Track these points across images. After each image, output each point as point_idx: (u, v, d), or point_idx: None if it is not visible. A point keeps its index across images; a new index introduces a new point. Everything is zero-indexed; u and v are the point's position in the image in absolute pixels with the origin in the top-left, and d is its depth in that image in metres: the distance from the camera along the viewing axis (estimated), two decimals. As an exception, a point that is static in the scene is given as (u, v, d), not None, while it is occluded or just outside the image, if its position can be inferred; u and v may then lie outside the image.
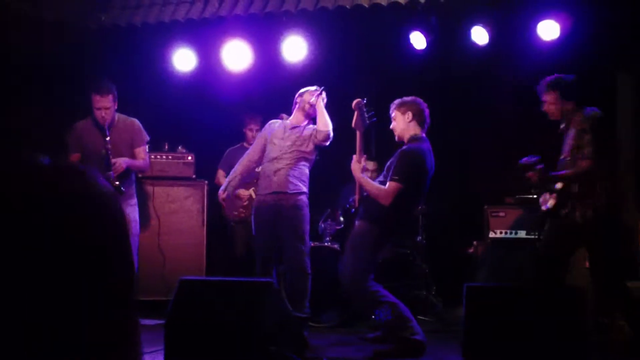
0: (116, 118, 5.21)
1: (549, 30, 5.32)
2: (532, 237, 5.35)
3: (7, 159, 0.86)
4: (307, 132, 4.94)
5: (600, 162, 4.21)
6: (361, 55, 6.26)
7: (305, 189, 4.95)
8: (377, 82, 6.36)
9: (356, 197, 4.74)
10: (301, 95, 5.01)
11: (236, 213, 5.93)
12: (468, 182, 5.40)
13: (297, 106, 5.04)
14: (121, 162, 5.06)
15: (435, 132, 4.87)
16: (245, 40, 6.02)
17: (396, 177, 4.39)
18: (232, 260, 6.18)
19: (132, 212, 5.33)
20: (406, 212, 4.61)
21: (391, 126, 4.65)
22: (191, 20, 5.85)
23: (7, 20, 5.48)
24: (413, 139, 4.55)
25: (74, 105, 5.54)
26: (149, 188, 5.94)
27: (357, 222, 4.61)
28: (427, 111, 4.62)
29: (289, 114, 5.13)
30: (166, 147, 6.30)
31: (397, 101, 4.64)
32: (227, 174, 5.80)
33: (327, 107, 5.05)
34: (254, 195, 5.49)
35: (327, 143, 4.97)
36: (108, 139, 4.96)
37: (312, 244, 5.64)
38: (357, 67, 6.37)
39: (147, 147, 5.44)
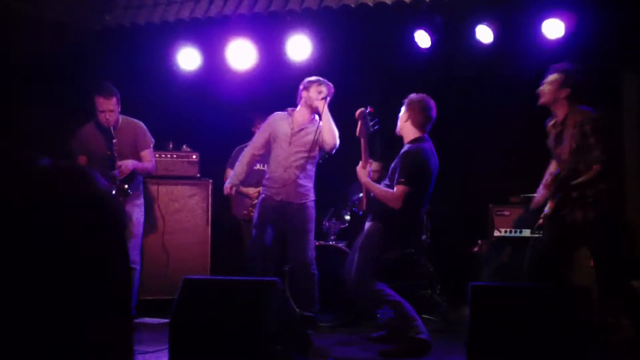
0: (120, 120, 5.21)
1: (553, 28, 5.30)
2: (537, 235, 5.34)
3: (7, 160, 0.86)
4: (314, 136, 4.95)
5: (607, 164, 4.19)
6: (365, 54, 6.25)
7: (312, 193, 5.06)
8: (382, 81, 6.35)
9: (363, 199, 4.76)
10: (307, 89, 5.01)
11: (245, 212, 5.93)
12: (472, 181, 5.39)
13: (301, 100, 5.04)
14: (127, 164, 5.07)
15: (440, 131, 4.86)
16: (250, 39, 6.02)
17: (402, 180, 4.41)
18: (239, 259, 6.19)
19: (138, 212, 5.34)
20: (413, 212, 4.61)
21: (400, 114, 4.68)
22: (196, 20, 5.85)
23: (8, 21, 5.49)
24: (414, 140, 4.57)
25: (76, 105, 5.54)
26: (154, 187, 5.94)
27: (367, 224, 4.64)
28: (433, 111, 4.62)
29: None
30: (170, 146, 6.30)
31: (407, 99, 4.65)
32: None
33: (332, 106, 5.05)
34: None
35: (333, 152, 5.04)
36: (115, 140, 4.95)
37: (317, 243, 5.64)
38: (361, 66, 6.36)
39: (152, 149, 5.44)
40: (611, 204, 4.18)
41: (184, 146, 6.36)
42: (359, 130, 4.62)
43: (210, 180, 6.29)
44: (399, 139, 4.74)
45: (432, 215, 5.87)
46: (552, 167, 4.59)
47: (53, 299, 0.82)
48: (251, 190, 5.73)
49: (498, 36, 5.46)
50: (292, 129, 5.01)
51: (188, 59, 6.20)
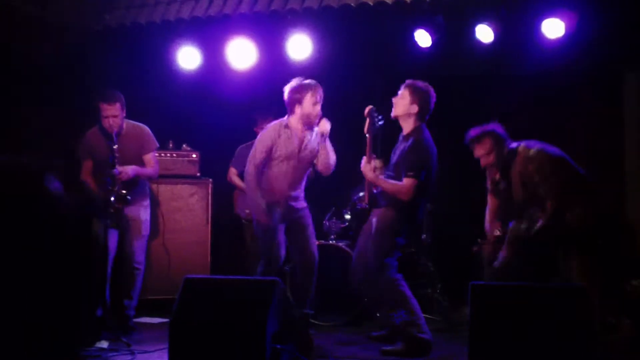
0: (124, 125, 5.21)
1: (553, 28, 5.29)
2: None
3: None
4: (312, 152, 4.98)
5: (564, 195, 4.33)
6: (366, 53, 6.24)
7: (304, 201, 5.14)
8: (382, 80, 6.34)
9: (365, 195, 4.77)
10: (299, 101, 4.87)
11: (248, 211, 5.94)
12: (473, 180, 5.37)
13: (294, 113, 4.93)
14: (127, 170, 5.05)
15: (440, 130, 4.86)
16: (250, 39, 6.01)
17: (411, 173, 4.50)
18: (241, 258, 6.19)
19: (144, 213, 5.35)
20: (420, 201, 4.66)
21: (394, 98, 4.73)
22: (196, 18, 5.84)
23: (10, 21, 5.49)
24: (415, 130, 4.64)
25: (81, 108, 5.54)
26: (154, 186, 5.94)
27: (376, 212, 4.68)
28: (433, 101, 4.70)
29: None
30: (171, 145, 6.30)
31: (411, 83, 4.70)
32: (239, 171, 5.84)
33: (330, 106, 5.02)
34: None
35: None
36: (115, 147, 4.95)
37: (317, 243, 5.64)
38: (361, 66, 6.36)
39: (156, 153, 5.44)
40: (601, 207, 4.27)
41: (184, 145, 6.36)
42: (367, 127, 4.66)
43: (210, 180, 6.30)
44: (398, 136, 4.76)
45: (433, 215, 5.87)
46: (493, 204, 4.90)
47: None
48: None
49: (498, 36, 5.46)
50: (297, 147, 4.94)
51: (188, 58, 6.19)
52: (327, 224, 5.97)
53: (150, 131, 5.37)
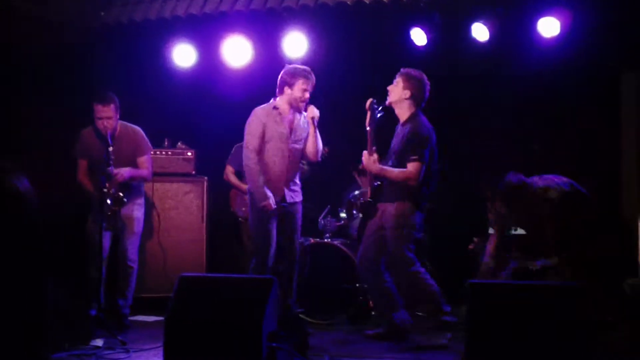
0: (118, 127, 5.19)
1: (549, 27, 5.30)
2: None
3: None
4: (303, 135, 4.97)
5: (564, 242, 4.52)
6: (362, 51, 6.24)
7: (300, 189, 5.10)
8: (378, 78, 6.33)
9: (368, 189, 4.80)
10: (290, 86, 4.88)
11: (244, 209, 5.91)
12: (469, 178, 5.39)
13: (284, 95, 4.92)
14: (123, 172, 5.04)
15: (436, 128, 4.86)
16: (246, 36, 6.00)
17: (415, 157, 4.60)
18: (237, 256, 6.18)
19: (138, 211, 5.33)
20: (424, 185, 4.72)
21: (388, 87, 4.82)
22: (192, 16, 5.82)
23: (12, 20, 5.47)
24: (411, 116, 4.74)
25: (78, 107, 5.52)
26: (149, 184, 5.92)
27: (387, 207, 4.70)
28: (427, 88, 4.79)
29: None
30: (166, 143, 6.29)
31: (404, 71, 4.80)
32: (236, 169, 5.81)
33: (325, 103, 5.01)
34: None
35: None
36: (111, 149, 4.93)
37: (312, 241, 5.64)
38: (358, 63, 6.35)
39: (150, 156, 5.42)
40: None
41: (180, 143, 6.34)
42: (369, 120, 4.72)
43: (206, 178, 6.28)
44: (394, 131, 4.79)
45: (430, 213, 5.87)
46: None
47: None
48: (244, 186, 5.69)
49: (494, 34, 5.46)
50: (288, 127, 4.94)
51: (184, 55, 6.18)
52: (323, 222, 5.96)
53: (144, 133, 5.35)
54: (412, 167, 4.59)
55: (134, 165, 5.25)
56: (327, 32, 5.89)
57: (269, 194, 4.83)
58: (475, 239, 5.69)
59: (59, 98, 5.89)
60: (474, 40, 5.51)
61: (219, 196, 6.33)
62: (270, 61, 6.03)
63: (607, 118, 5.70)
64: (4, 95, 5.72)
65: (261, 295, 3.64)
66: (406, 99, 4.74)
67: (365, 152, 4.71)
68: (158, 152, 6.09)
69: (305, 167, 5.65)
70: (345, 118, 5.83)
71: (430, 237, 5.87)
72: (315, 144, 4.94)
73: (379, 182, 4.75)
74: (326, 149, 5.29)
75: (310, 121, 4.90)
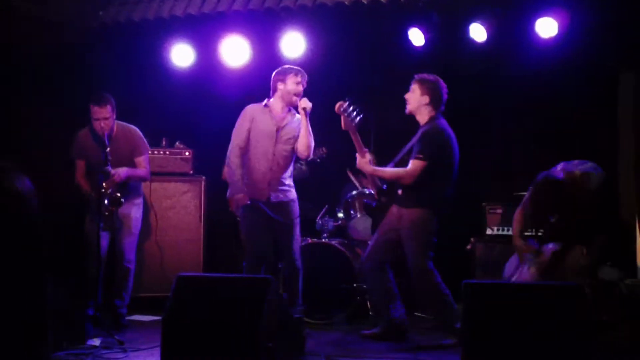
0: (115, 127, 5.19)
1: (547, 27, 5.30)
2: (529, 233, 5.36)
3: None
4: (295, 133, 4.89)
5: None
6: (360, 51, 6.24)
7: (294, 190, 4.98)
8: (376, 78, 6.35)
9: (374, 191, 4.80)
10: (282, 81, 4.87)
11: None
12: (466, 179, 5.38)
13: (276, 92, 4.92)
14: (120, 172, 5.04)
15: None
16: (244, 36, 6.00)
17: (420, 156, 4.54)
18: (234, 256, 6.17)
19: (136, 211, 5.33)
20: (442, 190, 4.67)
21: (406, 95, 4.77)
22: (190, 16, 5.82)
23: (11, 20, 5.46)
24: (430, 119, 4.69)
25: (75, 107, 5.52)
26: (146, 184, 5.92)
27: (409, 210, 4.65)
28: (445, 91, 4.75)
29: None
30: (164, 142, 6.29)
31: (419, 76, 4.77)
32: None
33: (322, 103, 5.00)
34: None
35: (306, 160, 5.04)
36: (108, 150, 4.93)
37: (310, 241, 5.64)
38: (355, 63, 6.35)
39: (148, 156, 5.41)
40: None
41: (178, 143, 6.34)
42: (344, 123, 4.63)
43: (204, 177, 6.28)
44: (393, 131, 4.78)
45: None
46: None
47: None
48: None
49: (492, 35, 5.47)
50: (276, 126, 4.89)
51: (182, 55, 6.18)
52: (320, 222, 5.96)
53: (141, 134, 5.35)
54: (412, 164, 4.56)
55: (132, 165, 5.25)
56: (325, 32, 5.89)
57: (242, 185, 4.81)
58: (472, 239, 5.70)
59: (58, 98, 5.89)
60: (472, 41, 5.52)
61: (217, 196, 6.32)
62: (268, 61, 6.03)
63: (605, 118, 5.71)
64: (4, 95, 5.72)
65: (258, 295, 3.64)
66: (425, 104, 4.70)
67: (357, 155, 4.68)
68: (156, 152, 6.09)
69: (304, 167, 5.65)
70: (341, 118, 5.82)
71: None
72: (305, 138, 4.82)
73: (386, 185, 4.73)
74: (324, 149, 5.29)
75: (302, 112, 4.80)
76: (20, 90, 5.81)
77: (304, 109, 4.79)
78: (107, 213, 4.94)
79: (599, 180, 4.42)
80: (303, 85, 4.88)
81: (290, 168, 5.00)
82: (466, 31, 5.49)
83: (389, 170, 4.66)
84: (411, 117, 4.83)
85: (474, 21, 5.44)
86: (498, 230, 5.66)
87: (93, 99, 5.07)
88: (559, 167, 4.45)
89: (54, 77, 5.90)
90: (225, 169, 6.04)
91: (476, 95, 6.15)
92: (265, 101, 4.99)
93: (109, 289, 5.24)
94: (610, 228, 4.45)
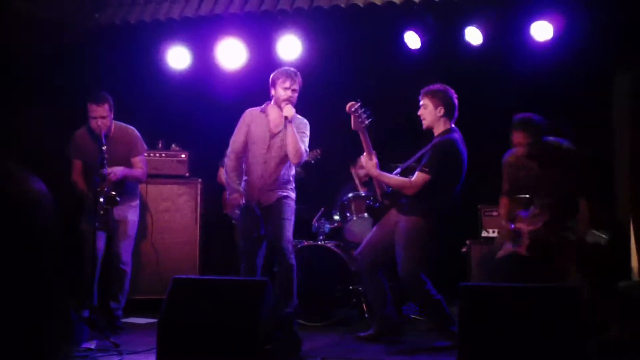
0: (113, 127, 5.19)
1: (542, 31, 5.33)
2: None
3: None
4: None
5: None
6: (356, 54, 6.25)
7: (291, 191, 4.91)
8: (372, 80, 6.35)
9: (378, 192, 4.78)
10: (274, 85, 4.81)
11: (237, 212, 5.89)
12: (463, 181, 5.39)
13: (272, 97, 4.88)
14: (116, 171, 5.04)
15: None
16: (240, 39, 6.01)
17: (426, 169, 4.51)
18: (229, 259, 6.17)
19: (133, 213, 5.33)
20: (443, 202, 4.64)
21: (419, 112, 4.70)
22: (186, 18, 5.83)
23: (9, 20, 5.46)
24: (444, 131, 4.64)
25: (71, 107, 5.51)
26: (142, 186, 5.91)
27: (406, 217, 4.63)
28: (455, 97, 4.70)
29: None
30: (160, 145, 6.28)
31: (428, 90, 4.69)
32: None
33: (319, 106, 5.01)
34: None
35: (299, 165, 4.95)
36: (104, 148, 4.92)
37: (306, 243, 5.64)
38: (352, 66, 6.37)
39: (144, 157, 5.41)
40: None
41: (173, 145, 6.34)
42: (354, 124, 4.59)
43: (200, 180, 6.28)
44: (391, 134, 4.77)
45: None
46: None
47: None
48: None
49: (487, 38, 5.48)
50: (270, 132, 4.84)
51: (178, 57, 6.18)
52: (316, 224, 5.96)
53: (139, 134, 5.35)
54: (417, 176, 4.52)
55: (129, 165, 5.24)
56: (322, 35, 5.90)
57: (237, 188, 4.80)
58: (468, 242, 5.71)
59: (54, 98, 5.88)
60: (468, 44, 5.53)
61: (213, 198, 6.34)
62: (264, 64, 6.04)
63: (601, 120, 5.72)
64: (2, 95, 5.70)
65: (254, 297, 3.64)
66: (441, 116, 4.63)
67: (364, 156, 4.65)
68: (152, 154, 6.09)
69: (299, 169, 5.65)
70: (338, 120, 5.82)
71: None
72: (291, 145, 4.72)
73: (390, 189, 4.72)
74: (319, 151, 5.28)
75: (285, 120, 4.74)
76: (17, 89, 5.80)
77: (286, 117, 4.71)
78: (102, 212, 4.93)
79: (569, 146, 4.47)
80: (295, 89, 4.78)
81: (288, 172, 4.91)
82: (462, 34, 5.51)
83: (395, 178, 4.63)
84: (408, 120, 4.83)
85: (470, 24, 5.46)
86: (494, 232, 5.66)
87: (91, 97, 5.07)
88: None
89: (50, 77, 5.89)
90: (221, 170, 6.07)
91: (472, 98, 6.15)
92: (264, 105, 4.97)
93: (105, 291, 5.23)
94: (591, 194, 4.43)
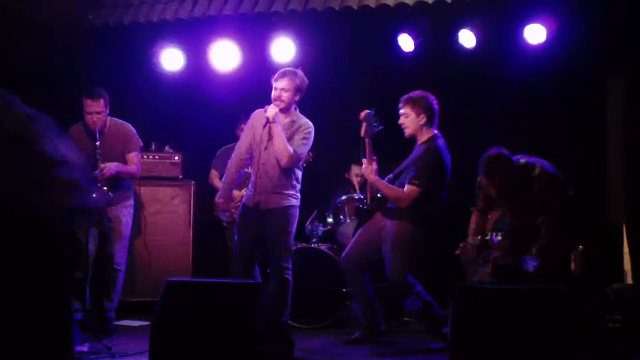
0: (108, 123, 5.18)
1: (535, 34, 5.34)
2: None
3: None
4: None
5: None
6: (350, 56, 6.25)
7: (293, 198, 4.72)
8: (366, 83, 6.36)
9: (368, 195, 4.81)
10: (273, 86, 4.69)
11: (228, 214, 5.87)
12: (456, 183, 5.40)
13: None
14: (110, 167, 5.03)
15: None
16: (234, 41, 6.01)
17: (417, 182, 4.52)
18: (222, 261, 6.16)
19: (126, 213, 5.31)
20: (429, 207, 4.68)
21: (400, 121, 4.70)
22: (180, 20, 5.82)
23: (1, 20, 5.44)
24: (429, 139, 4.65)
25: (65, 105, 5.49)
26: (136, 188, 5.90)
27: (393, 222, 4.65)
28: (435, 102, 4.69)
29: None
30: (153, 147, 6.27)
31: (408, 98, 4.67)
32: (221, 173, 5.73)
33: (313, 109, 4.98)
34: None
35: (292, 165, 4.70)
36: (98, 143, 4.91)
37: (299, 246, 5.63)
38: (346, 69, 6.37)
39: (139, 153, 5.39)
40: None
41: (167, 147, 6.33)
42: (364, 130, 4.62)
43: (193, 182, 6.27)
44: (387, 139, 4.78)
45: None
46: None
47: None
48: (235, 193, 5.65)
49: (481, 41, 5.50)
50: (267, 134, 4.70)
51: (172, 59, 6.17)
52: (310, 227, 5.96)
53: (134, 130, 5.34)
54: (408, 189, 4.53)
55: (124, 162, 5.23)
56: (315, 37, 5.90)
57: (221, 195, 4.81)
58: (461, 244, 5.71)
59: (47, 99, 5.85)
60: (461, 47, 5.55)
61: (206, 200, 6.32)
62: (258, 66, 6.04)
63: (594, 123, 5.74)
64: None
65: (248, 300, 3.64)
66: (423, 124, 4.64)
67: (365, 161, 4.66)
68: (145, 156, 6.07)
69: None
70: (332, 123, 5.83)
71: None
72: (276, 146, 4.56)
73: (380, 193, 4.73)
74: (310, 154, 5.26)
75: (265, 121, 4.61)
76: (9, 91, 5.77)
77: (267, 118, 4.58)
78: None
79: (542, 174, 4.39)
80: (283, 88, 4.60)
81: (290, 174, 4.72)
82: (455, 37, 5.52)
83: (389, 188, 4.62)
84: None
85: (464, 27, 5.47)
86: (487, 235, 5.66)
87: (86, 93, 5.06)
88: None
89: (43, 78, 5.87)
90: (212, 172, 6.07)
91: (465, 100, 6.17)
92: (267, 106, 4.90)
93: (98, 292, 5.21)
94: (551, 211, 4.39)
